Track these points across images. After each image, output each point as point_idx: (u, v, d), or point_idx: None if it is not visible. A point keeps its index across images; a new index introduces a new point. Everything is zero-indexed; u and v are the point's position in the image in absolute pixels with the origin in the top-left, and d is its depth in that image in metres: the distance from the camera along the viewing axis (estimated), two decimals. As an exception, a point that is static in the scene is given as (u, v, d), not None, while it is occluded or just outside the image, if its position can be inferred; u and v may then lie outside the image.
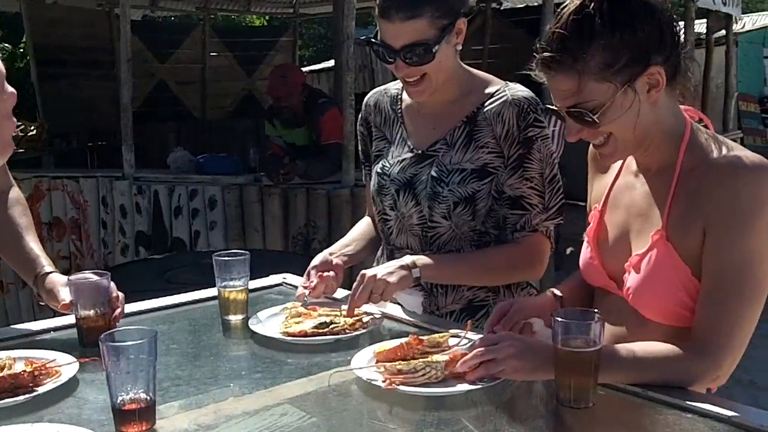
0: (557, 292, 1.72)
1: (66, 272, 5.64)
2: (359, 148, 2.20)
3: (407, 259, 1.83)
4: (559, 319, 1.32)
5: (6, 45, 12.12)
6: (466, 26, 1.89)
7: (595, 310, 1.37)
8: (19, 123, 8.45)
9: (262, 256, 4.05)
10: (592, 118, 1.42)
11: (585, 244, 1.67)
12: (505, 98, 1.89)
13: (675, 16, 1.47)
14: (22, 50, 11.46)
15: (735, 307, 1.39)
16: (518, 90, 1.91)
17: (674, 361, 1.39)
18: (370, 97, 2.14)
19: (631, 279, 1.51)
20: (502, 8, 9.87)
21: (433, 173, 1.92)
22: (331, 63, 10.12)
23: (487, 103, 1.91)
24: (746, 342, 1.42)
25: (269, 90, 5.26)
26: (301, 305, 1.87)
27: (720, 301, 1.39)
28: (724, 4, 6.86)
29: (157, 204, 5.25)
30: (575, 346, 1.31)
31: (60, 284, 1.80)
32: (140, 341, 1.27)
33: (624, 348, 1.41)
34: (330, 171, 4.92)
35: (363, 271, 1.79)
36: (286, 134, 5.31)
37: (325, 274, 1.94)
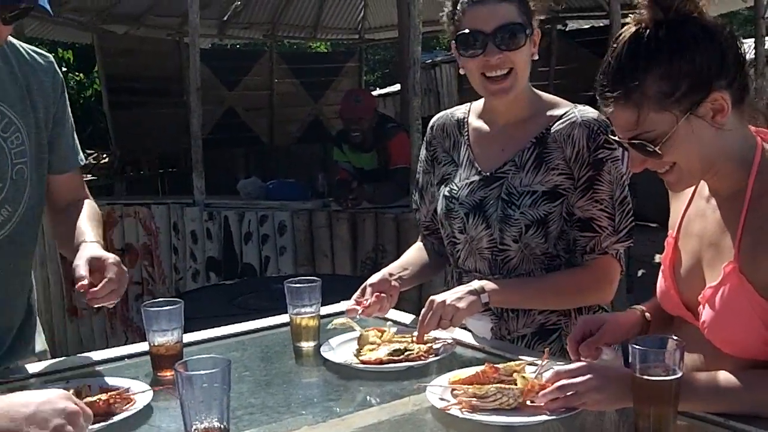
0: (646, 313, 1.64)
1: (138, 298, 5.76)
2: (418, 173, 2.17)
3: (475, 284, 1.79)
4: (637, 347, 1.26)
5: (78, 74, 12.54)
6: (539, 39, 1.90)
7: (675, 337, 1.31)
8: (92, 151, 8.77)
9: (332, 281, 4.05)
10: (654, 149, 1.37)
11: (660, 271, 1.61)
12: (574, 119, 1.86)
13: (737, 35, 1.40)
14: (93, 79, 11.83)
15: None
16: (587, 112, 1.87)
17: (759, 391, 1.32)
18: (436, 120, 2.12)
19: (706, 313, 1.42)
20: (567, 29, 9.79)
21: (504, 195, 1.89)
22: (396, 87, 10.18)
23: (556, 125, 1.88)
24: None
25: (342, 113, 5.28)
26: (346, 318, 1.85)
27: None
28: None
29: (227, 230, 5.31)
30: (654, 374, 1.25)
31: (83, 257, 1.69)
32: (213, 370, 1.26)
33: (706, 375, 1.35)
34: (398, 195, 4.91)
35: (432, 297, 1.76)
36: (355, 159, 5.33)
37: (382, 294, 1.90)
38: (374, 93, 11.10)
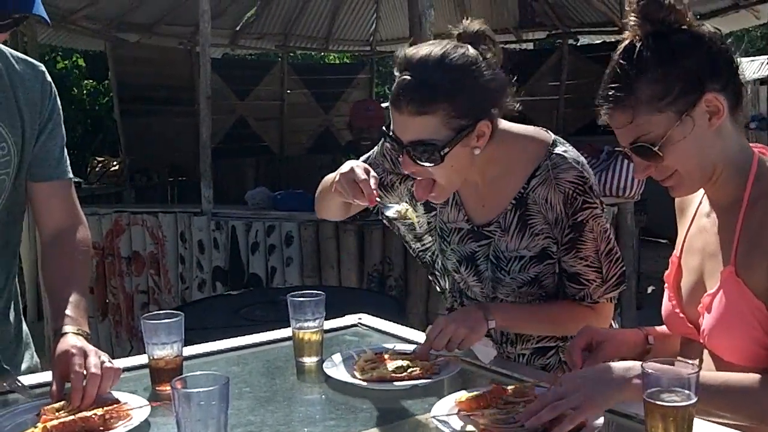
0: (650, 336, 1.63)
1: (144, 306, 5.75)
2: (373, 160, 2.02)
3: (483, 308, 1.76)
4: (650, 371, 1.22)
5: (90, 81, 12.58)
6: (491, 129, 1.70)
7: (690, 361, 1.27)
8: (102, 158, 8.78)
9: (337, 293, 4.02)
10: (654, 150, 1.40)
11: (665, 291, 1.61)
12: (549, 180, 1.75)
13: (727, 44, 1.44)
14: (105, 86, 11.87)
15: None
16: (561, 168, 1.75)
17: (749, 391, 1.33)
18: None
19: (706, 321, 1.45)
20: (578, 44, 9.78)
21: (492, 258, 1.85)
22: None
23: (532, 183, 1.78)
24: None
25: (352, 122, 5.29)
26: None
27: None
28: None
29: (234, 240, 5.29)
30: (668, 400, 1.21)
31: (58, 361, 1.55)
32: (211, 388, 1.22)
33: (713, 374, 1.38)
34: (406, 207, 4.87)
35: (441, 317, 1.73)
36: (363, 170, 5.29)
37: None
38: (384, 105, 11.12)
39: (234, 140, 9.21)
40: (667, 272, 1.62)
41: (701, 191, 1.55)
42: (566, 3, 9.28)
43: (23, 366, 1.91)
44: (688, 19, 1.43)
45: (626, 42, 1.45)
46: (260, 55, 11.93)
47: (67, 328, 1.63)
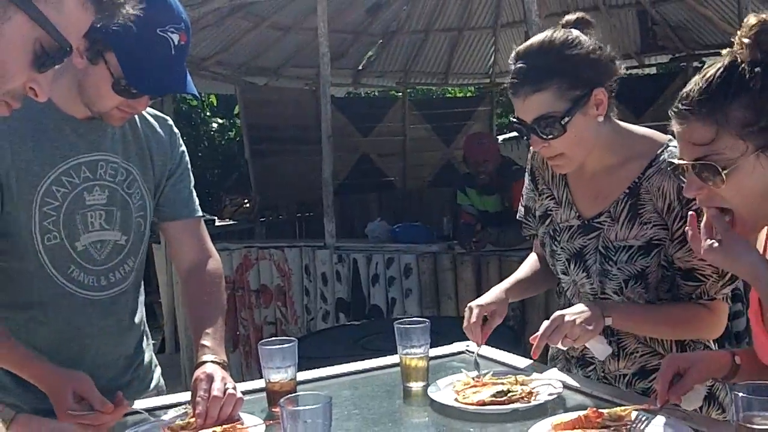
0: (736, 357, 1.61)
1: (272, 336, 5.96)
2: (522, 202, 2.21)
3: (600, 305, 1.80)
4: (741, 394, 1.23)
5: (219, 119, 13.30)
6: (607, 97, 1.83)
7: None
8: (234, 197, 9.20)
9: (455, 323, 4.06)
10: (721, 172, 1.37)
11: (750, 314, 1.59)
12: (664, 169, 1.80)
13: None
14: (231, 122, 12.50)
15: None
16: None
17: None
18: (538, 152, 2.12)
19: None
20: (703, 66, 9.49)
21: (601, 248, 1.89)
22: (527, 130, 10.14)
23: (647, 172, 1.85)
24: None
25: (466, 155, 5.35)
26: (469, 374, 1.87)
27: None
28: None
29: (356, 272, 5.44)
30: (760, 423, 1.21)
31: (192, 386, 1.72)
32: (315, 406, 1.33)
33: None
34: (522, 238, 4.88)
35: (558, 313, 1.77)
36: (479, 202, 5.36)
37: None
38: (503, 136, 11.12)
39: (357, 176, 9.45)
40: (750, 308, 1.59)
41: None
42: (689, 25, 9.05)
43: (152, 385, 2.10)
44: None
45: (728, 59, 1.42)
46: (381, 92, 12.22)
47: (204, 357, 1.81)
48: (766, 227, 1.55)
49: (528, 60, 1.83)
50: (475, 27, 9.92)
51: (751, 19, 1.39)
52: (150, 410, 1.82)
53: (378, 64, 10.14)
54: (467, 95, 13.61)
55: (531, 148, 1.91)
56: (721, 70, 1.41)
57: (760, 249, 1.55)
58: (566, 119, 1.79)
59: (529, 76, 1.80)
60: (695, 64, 9.31)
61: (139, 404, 1.84)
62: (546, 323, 1.76)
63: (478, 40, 10.17)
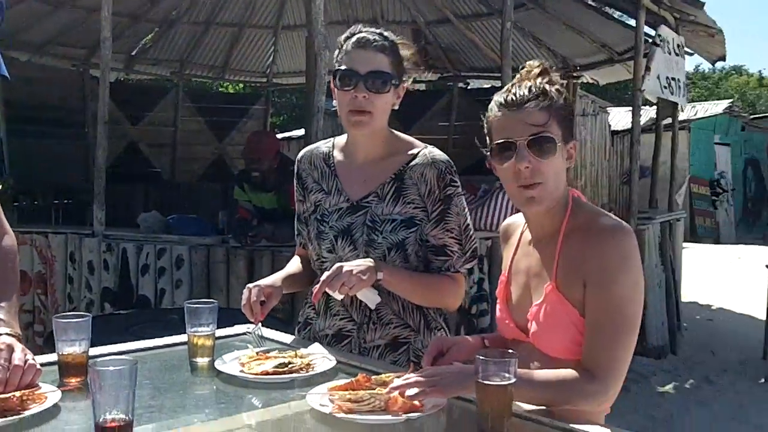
0: (486, 340, 1.99)
1: (29, 326, 5.71)
2: (296, 209, 2.44)
3: (374, 261, 2.07)
4: (481, 358, 1.54)
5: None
6: (403, 93, 2.22)
7: (511, 351, 1.63)
8: (-15, 177, 8.56)
9: (226, 312, 4.19)
10: (556, 144, 1.75)
11: (497, 304, 1.98)
12: (426, 161, 2.19)
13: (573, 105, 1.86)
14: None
15: (613, 338, 1.71)
16: (436, 154, 2.22)
17: (569, 381, 1.68)
18: (303, 154, 2.41)
19: (533, 326, 1.82)
20: (468, 87, 10.33)
21: (368, 222, 2.20)
22: (301, 132, 10.43)
23: (411, 163, 2.20)
24: (626, 367, 1.73)
25: (245, 151, 5.48)
26: (255, 350, 2.06)
27: (600, 335, 1.71)
28: (672, 93, 7.30)
29: (124, 261, 5.40)
30: (493, 380, 1.53)
31: None
32: (122, 367, 1.46)
33: (525, 372, 1.68)
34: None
35: (339, 264, 2.01)
36: (255, 198, 5.52)
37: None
38: (279, 135, 11.32)
39: (125, 165, 9.18)
40: (498, 289, 1.99)
41: (522, 225, 1.94)
42: (458, 48, 9.83)
43: None
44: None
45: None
46: (155, 81, 11.96)
47: (0, 330, 1.85)
48: (517, 230, 1.96)
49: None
50: (257, 25, 10.07)
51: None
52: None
53: (154, 51, 9.97)
54: (240, 92, 13.65)
55: (354, 92, 2.13)
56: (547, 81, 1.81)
57: (517, 235, 1.95)
58: (394, 81, 2.17)
59: (379, 38, 2.17)
60: (460, 84, 10.11)
61: None
62: (327, 273, 2.00)
63: (259, 39, 10.32)
